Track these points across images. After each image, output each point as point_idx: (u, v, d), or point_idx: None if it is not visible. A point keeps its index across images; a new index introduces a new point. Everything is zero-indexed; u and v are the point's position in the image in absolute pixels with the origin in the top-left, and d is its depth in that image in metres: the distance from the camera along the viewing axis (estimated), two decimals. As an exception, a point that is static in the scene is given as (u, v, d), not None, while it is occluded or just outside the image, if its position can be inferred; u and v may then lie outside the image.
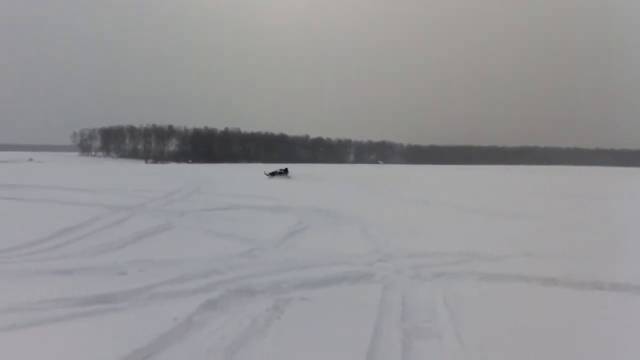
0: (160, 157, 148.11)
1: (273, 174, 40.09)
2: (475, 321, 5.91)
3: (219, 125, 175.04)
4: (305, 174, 43.50)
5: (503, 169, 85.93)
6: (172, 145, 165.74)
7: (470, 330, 5.62)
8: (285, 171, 42.18)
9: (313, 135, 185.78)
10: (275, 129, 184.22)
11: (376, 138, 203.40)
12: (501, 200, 23.17)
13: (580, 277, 7.96)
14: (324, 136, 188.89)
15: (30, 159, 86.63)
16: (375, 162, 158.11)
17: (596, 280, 7.80)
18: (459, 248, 10.35)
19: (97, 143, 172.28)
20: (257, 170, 48.91)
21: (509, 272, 8.32)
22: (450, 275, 8.11)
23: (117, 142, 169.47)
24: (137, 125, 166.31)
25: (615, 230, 14.00)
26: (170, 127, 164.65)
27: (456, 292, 7.13)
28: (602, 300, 7.04)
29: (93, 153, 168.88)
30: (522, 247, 10.55)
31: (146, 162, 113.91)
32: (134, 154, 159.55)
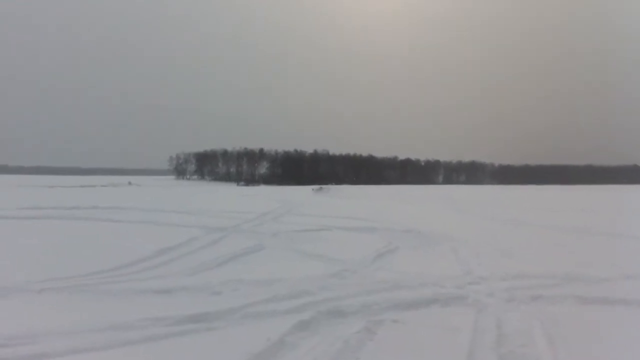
0: (251, 180, 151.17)
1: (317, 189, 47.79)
2: (573, 346, 5.66)
3: (308, 148, 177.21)
4: (394, 195, 43.23)
5: (601, 188, 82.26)
6: (263, 168, 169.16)
7: (569, 355, 5.39)
8: (320, 189, 49.40)
9: (401, 156, 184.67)
10: (364, 151, 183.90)
11: (466, 158, 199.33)
12: (599, 220, 22.19)
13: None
14: (413, 157, 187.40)
15: (130, 183, 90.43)
16: (463, 182, 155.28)
17: None
18: (556, 270, 9.96)
19: (192, 167, 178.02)
20: (344, 192, 49.08)
21: (608, 296, 7.93)
22: (547, 299, 7.80)
23: (210, 165, 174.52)
24: (229, 149, 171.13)
25: None
26: (261, 150, 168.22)
27: (553, 316, 6.85)
28: None
29: (188, 176, 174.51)
30: (622, 269, 10.05)
31: (237, 185, 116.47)
32: (226, 177, 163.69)
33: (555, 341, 5.79)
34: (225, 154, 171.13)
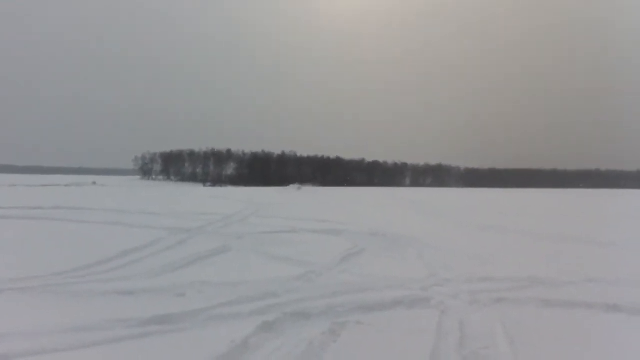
0: (218, 181, 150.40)
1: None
2: (534, 348, 5.76)
3: (276, 149, 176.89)
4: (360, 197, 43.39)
5: (565, 192, 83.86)
6: (230, 169, 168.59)
7: (530, 357, 5.49)
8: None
9: (369, 158, 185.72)
10: (331, 153, 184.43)
11: (433, 161, 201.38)
12: (564, 224, 22.61)
13: (645, 304, 7.67)
14: (380, 159, 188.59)
15: (94, 183, 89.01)
16: (430, 185, 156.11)
17: (663, 308, 7.50)
18: (520, 273, 10.11)
19: (158, 167, 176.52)
20: (313, 194, 49.19)
21: (570, 299, 8.08)
22: (510, 301, 7.91)
23: (177, 166, 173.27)
24: (196, 150, 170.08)
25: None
26: (228, 151, 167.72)
27: (516, 318, 6.95)
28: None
29: (154, 177, 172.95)
30: (586, 273, 10.24)
31: (204, 186, 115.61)
32: (193, 178, 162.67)
33: (517, 343, 5.88)
34: (192, 154, 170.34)
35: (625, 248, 14.57)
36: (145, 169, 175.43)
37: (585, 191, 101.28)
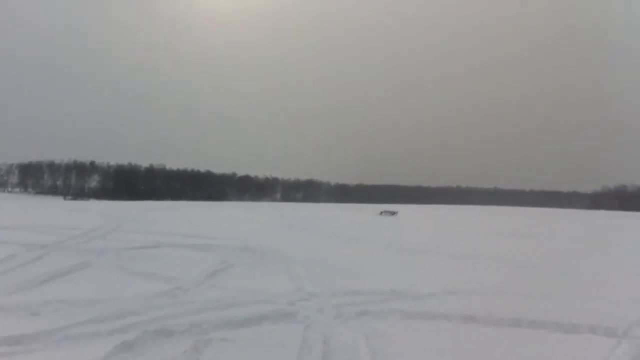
0: (80, 194, 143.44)
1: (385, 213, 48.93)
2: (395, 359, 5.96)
3: (144, 162, 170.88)
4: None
5: (430, 208, 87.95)
6: (94, 182, 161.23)
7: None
8: (393, 213, 49.16)
9: (240, 173, 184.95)
10: (202, 166, 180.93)
11: (303, 176, 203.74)
12: (426, 238, 23.71)
13: (499, 315, 8.17)
14: (251, 174, 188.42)
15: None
16: (300, 200, 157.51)
17: (514, 318, 8.03)
18: (384, 286, 10.45)
19: (14, 178, 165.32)
20: (183, 209, 48.28)
21: (430, 310, 8.46)
22: (373, 314, 8.16)
23: (35, 177, 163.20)
24: (57, 161, 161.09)
25: (534, 268, 14.51)
26: (92, 163, 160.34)
27: (378, 330, 7.17)
28: (519, 338, 7.23)
29: (9, 189, 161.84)
30: (445, 285, 10.77)
31: (64, 199, 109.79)
32: (53, 190, 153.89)
33: (378, 355, 6.06)
34: (51, 165, 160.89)
35: (481, 260, 15.51)
36: (0, 181, 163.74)
37: (447, 206, 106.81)
